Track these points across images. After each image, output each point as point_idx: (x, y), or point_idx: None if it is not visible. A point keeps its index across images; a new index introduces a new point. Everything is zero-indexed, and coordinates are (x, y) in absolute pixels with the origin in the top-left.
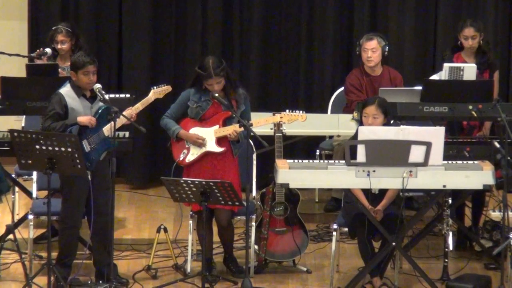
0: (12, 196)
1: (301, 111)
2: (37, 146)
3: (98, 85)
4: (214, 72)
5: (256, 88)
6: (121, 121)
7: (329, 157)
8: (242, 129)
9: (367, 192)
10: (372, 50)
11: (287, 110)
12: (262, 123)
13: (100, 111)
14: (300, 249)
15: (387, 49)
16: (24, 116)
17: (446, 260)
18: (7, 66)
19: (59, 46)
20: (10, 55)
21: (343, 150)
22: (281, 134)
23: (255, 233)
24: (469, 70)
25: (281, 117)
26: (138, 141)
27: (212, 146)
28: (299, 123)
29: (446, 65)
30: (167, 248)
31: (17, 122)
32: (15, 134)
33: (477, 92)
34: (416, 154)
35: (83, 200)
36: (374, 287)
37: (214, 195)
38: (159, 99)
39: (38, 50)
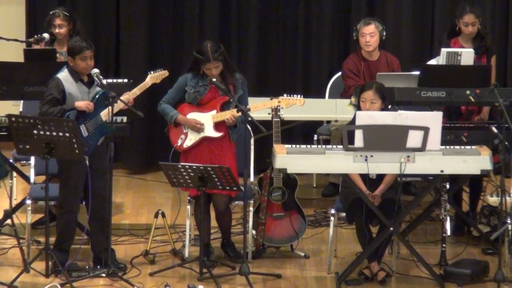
0: (10, 181)
1: (299, 95)
2: (35, 131)
3: (96, 70)
4: (212, 57)
5: (254, 73)
6: (118, 106)
7: (326, 142)
8: (239, 114)
9: (364, 177)
10: (370, 34)
11: (285, 95)
12: (260, 107)
13: (97, 96)
14: (298, 234)
15: (384, 33)
16: (22, 101)
17: (444, 245)
18: (5, 51)
19: (56, 30)
20: (7, 40)
21: (340, 135)
22: (278, 119)
23: (253, 218)
24: (467, 55)
25: (279, 102)
26: (136, 126)
27: (210, 131)
28: (296, 108)
29: (444, 50)
30: (165, 233)
31: (14, 107)
32: (13, 119)
33: (474, 77)
34: (413, 139)
35: (80, 185)
36: (372, 272)
37: (211, 180)
38: (156, 84)
39: (36, 36)
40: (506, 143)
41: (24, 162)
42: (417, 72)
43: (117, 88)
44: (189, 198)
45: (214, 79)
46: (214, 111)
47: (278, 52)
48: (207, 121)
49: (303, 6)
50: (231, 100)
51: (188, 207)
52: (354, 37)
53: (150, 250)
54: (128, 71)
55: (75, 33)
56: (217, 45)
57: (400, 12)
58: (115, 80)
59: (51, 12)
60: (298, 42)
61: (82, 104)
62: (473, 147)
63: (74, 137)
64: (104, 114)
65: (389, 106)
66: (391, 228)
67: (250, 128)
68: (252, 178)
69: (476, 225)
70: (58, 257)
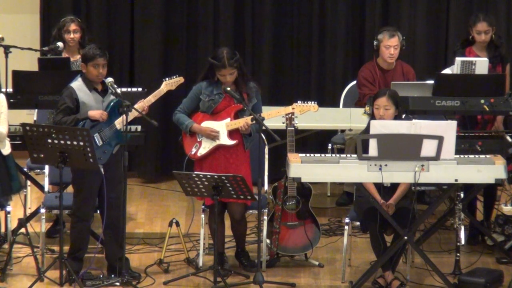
0: (24, 190)
1: (313, 102)
2: (49, 140)
3: (110, 79)
4: (228, 63)
5: (268, 82)
6: (133, 114)
7: (341, 151)
8: (253, 122)
9: (379, 186)
10: (394, 47)
11: (299, 101)
12: (274, 114)
13: (111, 104)
14: (312, 243)
15: (404, 43)
16: (36, 110)
17: (458, 254)
18: (19, 60)
19: (71, 36)
20: (22, 49)
21: (355, 144)
22: (293, 128)
23: (267, 227)
24: (481, 64)
25: (293, 108)
26: (150, 135)
27: (224, 139)
28: (310, 117)
29: (458, 59)
30: (179, 242)
31: (29, 116)
32: (27, 128)
33: (489, 86)
34: (428, 148)
35: (94, 194)
36: (386, 281)
37: (226, 189)
38: (171, 92)
39: (51, 45)
40: None
41: (38, 171)
42: (432, 81)
43: (131, 97)
44: (203, 207)
45: (229, 88)
46: (228, 119)
47: (292, 61)
48: (221, 129)
49: (317, 14)
50: (245, 108)
51: (202, 216)
52: (375, 47)
53: (164, 259)
54: (142, 79)
55: (84, 42)
56: (233, 52)
57: (415, 21)
58: (129, 89)
59: (62, 20)
60: (312, 51)
61: (96, 113)
62: (488, 156)
63: (89, 146)
64: (119, 123)
65: (404, 115)
66: (405, 237)
67: (264, 137)
68: (266, 187)
69: (490, 234)
70: (72, 265)
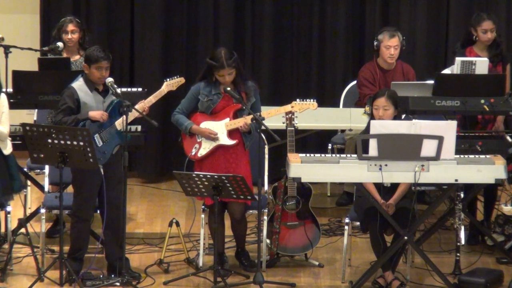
0: (24, 190)
1: (312, 100)
2: (49, 140)
3: (110, 79)
4: (226, 63)
5: (268, 81)
6: (133, 114)
7: (341, 151)
8: (253, 121)
9: (379, 186)
10: (395, 47)
11: (298, 99)
12: (273, 113)
13: (112, 104)
14: (312, 243)
15: (404, 43)
16: (36, 110)
17: (458, 254)
18: (19, 60)
19: (69, 36)
20: (22, 49)
21: (355, 144)
22: (293, 128)
23: (267, 227)
24: (481, 64)
25: (292, 107)
26: (150, 135)
27: (224, 139)
28: (311, 117)
29: (458, 59)
30: (179, 242)
31: (29, 116)
32: (27, 128)
33: (489, 86)
34: (428, 148)
35: (94, 194)
36: (386, 281)
37: (226, 189)
38: (172, 92)
39: (50, 45)
40: None
41: (38, 171)
42: (432, 81)
43: (131, 97)
44: (203, 207)
45: (228, 88)
46: (227, 119)
47: (292, 60)
48: (220, 129)
49: (317, 14)
50: (244, 108)
51: (202, 216)
52: (375, 47)
53: (164, 259)
54: (142, 80)
55: (84, 43)
56: (231, 52)
57: (415, 21)
58: (129, 89)
59: (61, 20)
60: (312, 50)
61: (96, 114)
62: (488, 156)
63: (89, 146)
64: (119, 123)
65: (403, 116)
66: (405, 237)
67: (264, 137)
68: (266, 187)
69: (490, 234)
70: (72, 265)
